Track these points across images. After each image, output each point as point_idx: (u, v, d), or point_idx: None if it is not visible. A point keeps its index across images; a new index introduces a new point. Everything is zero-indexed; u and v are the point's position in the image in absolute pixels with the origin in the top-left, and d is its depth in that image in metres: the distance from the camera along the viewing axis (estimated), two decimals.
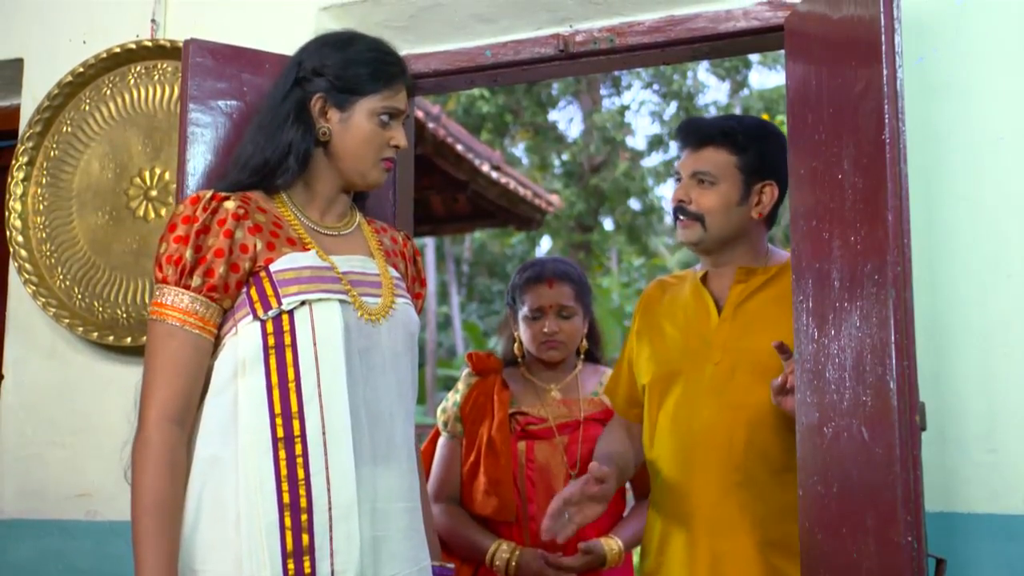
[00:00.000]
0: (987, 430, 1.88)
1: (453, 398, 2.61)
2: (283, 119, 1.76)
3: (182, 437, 1.63)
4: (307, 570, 1.59)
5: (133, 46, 2.59)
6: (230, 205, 1.68)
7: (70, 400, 2.58)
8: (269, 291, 1.65)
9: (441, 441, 2.61)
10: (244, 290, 1.67)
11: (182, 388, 1.63)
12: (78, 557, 2.50)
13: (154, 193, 2.56)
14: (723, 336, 2.05)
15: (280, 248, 1.69)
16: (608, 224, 16.55)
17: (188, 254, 1.64)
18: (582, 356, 2.63)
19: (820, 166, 1.79)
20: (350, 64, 1.77)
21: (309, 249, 1.71)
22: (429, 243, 14.65)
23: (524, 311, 2.58)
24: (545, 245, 16.79)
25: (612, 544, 2.41)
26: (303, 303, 1.65)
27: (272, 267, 1.66)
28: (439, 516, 2.48)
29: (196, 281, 1.64)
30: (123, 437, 2.48)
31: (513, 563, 2.38)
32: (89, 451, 2.53)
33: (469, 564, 2.49)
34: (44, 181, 2.66)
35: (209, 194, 1.69)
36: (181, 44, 2.16)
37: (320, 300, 1.66)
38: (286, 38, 2.41)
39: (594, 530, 2.44)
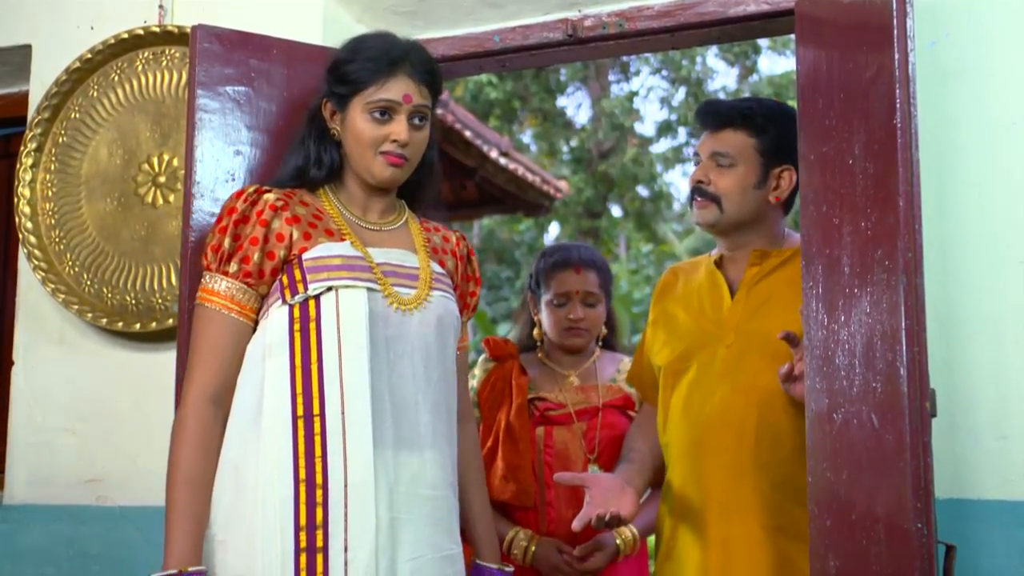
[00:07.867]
0: (997, 417, 1.88)
1: (470, 383, 2.60)
2: (305, 129, 1.85)
3: (217, 416, 1.70)
4: (319, 544, 1.61)
5: (141, 32, 2.59)
6: (269, 197, 1.76)
7: (79, 386, 2.59)
8: (298, 277, 1.71)
9: None
10: (279, 277, 1.73)
11: (219, 369, 1.71)
12: (88, 542, 2.51)
13: (162, 179, 2.56)
14: (736, 318, 2.04)
15: (317, 238, 1.74)
16: (616, 211, 16.50)
17: (227, 242, 1.73)
18: (599, 343, 2.62)
19: (830, 151, 1.78)
20: (342, 64, 1.80)
21: (345, 240, 1.75)
22: None
23: (548, 296, 2.56)
24: (553, 231, 16.76)
25: (626, 532, 2.37)
26: (329, 289, 1.69)
27: (305, 255, 1.72)
28: None
29: (233, 267, 1.72)
30: (132, 423, 2.51)
31: (531, 552, 2.37)
32: (99, 437, 2.54)
33: None
34: (53, 167, 2.66)
35: (253, 187, 1.78)
36: (189, 30, 2.16)
37: (347, 287, 1.70)
38: (294, 23, 2.42)
39: None
